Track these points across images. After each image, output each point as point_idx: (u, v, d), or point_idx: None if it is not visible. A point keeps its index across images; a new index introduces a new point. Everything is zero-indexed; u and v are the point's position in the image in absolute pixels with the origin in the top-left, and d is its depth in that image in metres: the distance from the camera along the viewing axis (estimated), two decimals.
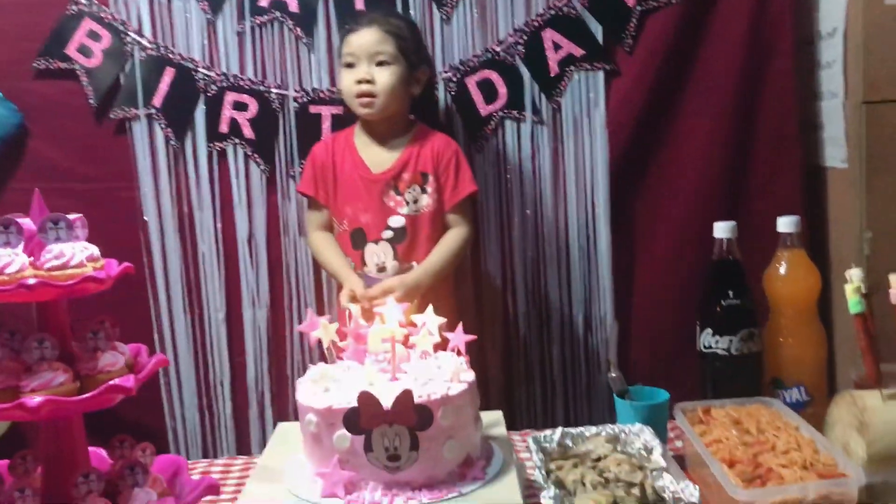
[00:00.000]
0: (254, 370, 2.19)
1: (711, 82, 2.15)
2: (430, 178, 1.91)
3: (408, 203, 1.90)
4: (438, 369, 1.18)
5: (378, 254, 1.90)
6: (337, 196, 1.94)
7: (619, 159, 2.16)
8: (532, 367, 2.23)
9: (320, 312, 2.13)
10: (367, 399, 1.07)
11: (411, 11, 2.10)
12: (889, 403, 1.29)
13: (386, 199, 1.91)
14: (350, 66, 1.87)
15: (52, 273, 1.08)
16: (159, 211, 2.14)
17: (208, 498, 1.23)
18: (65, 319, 1.16)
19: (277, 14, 2.09)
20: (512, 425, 2.12)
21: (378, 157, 1.93)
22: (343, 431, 1.09)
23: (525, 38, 2.12)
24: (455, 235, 1.92)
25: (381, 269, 1.89)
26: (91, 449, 1.28)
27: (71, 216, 1.15)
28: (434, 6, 2.11)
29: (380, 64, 1.86)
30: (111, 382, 1.08)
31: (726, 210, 2.15)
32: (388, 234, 1.90)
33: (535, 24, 2.11)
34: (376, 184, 1.91)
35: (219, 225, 2.16)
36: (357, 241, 1.92)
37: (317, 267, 2.15)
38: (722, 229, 1.46)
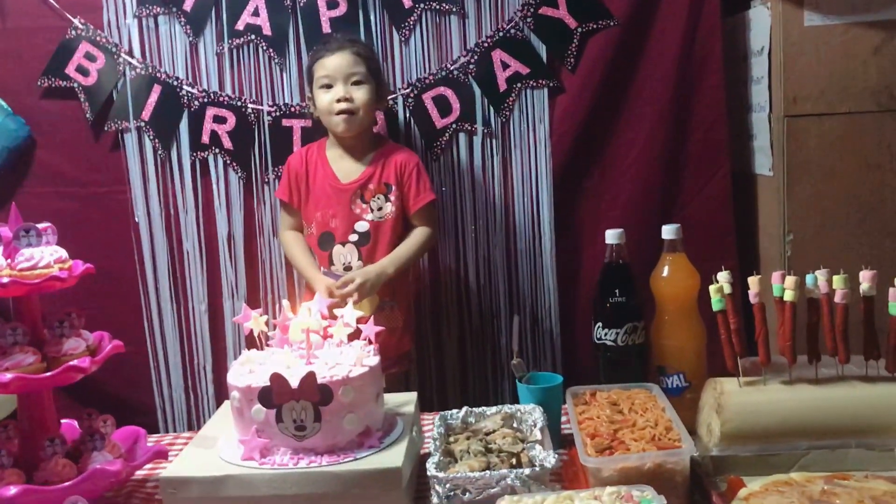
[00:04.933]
0: (233, 355, 2.43)
1: (647, 97, 2.34)
2: (393, 188, 2.12)
3: (372, 210, 2.12)
4: (346, 356, 1.40)
5: (345, 254, 2.12)
6: (308, 202, 2.16)
7: (561, 168, 2.37)
8: (484, 354, 2.46)
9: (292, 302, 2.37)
10: (277, 379, 1.30)
11: (373, 31, 2.32)
12: (744, 389, 1.49)
13: (353, 207, 2.12)
14: (328, 87, 2.07)
15: (23, 273, 1.32)
16: (148, 212, 2.39)
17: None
18: (36, 311, 1.40)
19: (252, 37, 2.32)
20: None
21: (347, 169, 2.15)
22: (259, 405, 1.32)
23: (476, 57, 2.33)
24: (419, 233, 2.14)
25: (347, 268, 2.11)
26: (66, 421, 1.53)
27: (41, 225, 1.39)
28: (394, 29, 2.33)
29: (355, 83, 2.07)
30: (71, 363, 1.33)
31: (662, 213, 2.35)
32: (354, 237, 2.12)
33: (486, 44, 2.32)
34: (345, 193, 2.12)
35: (201, 225, 2.40)
36: (325, 243, 2.14)
37: (288, 263, 2.38)
38: (611, 236, 1.67)
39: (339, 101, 2.06)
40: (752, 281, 1.51)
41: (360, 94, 2.07)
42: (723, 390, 1.48)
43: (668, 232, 1.65)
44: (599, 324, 1.66)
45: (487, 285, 2.43)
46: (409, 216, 2.15)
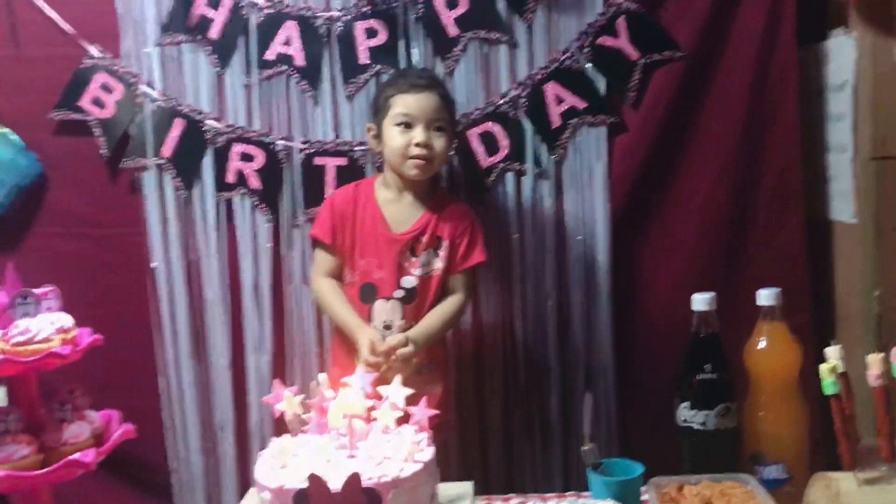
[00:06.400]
0: (256, 415, 2.21)
1: (715, 135, 2.13)
2: (445, 244, 1.92)
3: (421, 265, 1.91)
4: (395, 448, 1.19)
5: (387, 311, 1.89)
6: (354, 248, 1.94)
7: (620, 212, 2.15)
8: (533, 418, 2.22)
9: (321, 359, 2.17)
10: (316, 482, 1.08)
11: (414, 62, 2.12)
12: (864, 489, 1.26)
13: (402, 260, 1.90)
14: (406, 126, 1.86)
15: (16, 349, 1.12)
16: (167, 258, 2.18)
17: None
18: (33, 391, 1.20)
19: (284, 67, 2.12)
20: (510, 482, 2.16)
21: (399, 217, 1.93)
22: None
23: (527, 91, 2.12)
24: (454, 303, 1.93)
25: (387, 328, 1.89)
26: None
27: (41, 289, 1.19)
28: (438, 59, 2.13)
29: (437, 129, 1.87)
30: (71, 458, 1.12)
31: (728, 264, 2.15)
32: (399, 293, 1.90)
33: (538, 77, 2.12)
34: (396, 244, 1.90)
35: (225, 272, 2.19)
36: (367, 295, 1.91)
37: (319, 315, 2.17)
38: (700, 302, 1.45)
39: (418, 145, 1.85)
40: (873, 360, 1.29)
41: (440, 143, 1.87)
42: (839, 490, 1.26)
43: (766, 297, 1.44)
44: (686, 404, 1.44)
45: (536, 341, 2.20)
46: (449, 276, 1.94)
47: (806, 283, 2.16)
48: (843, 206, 2.09)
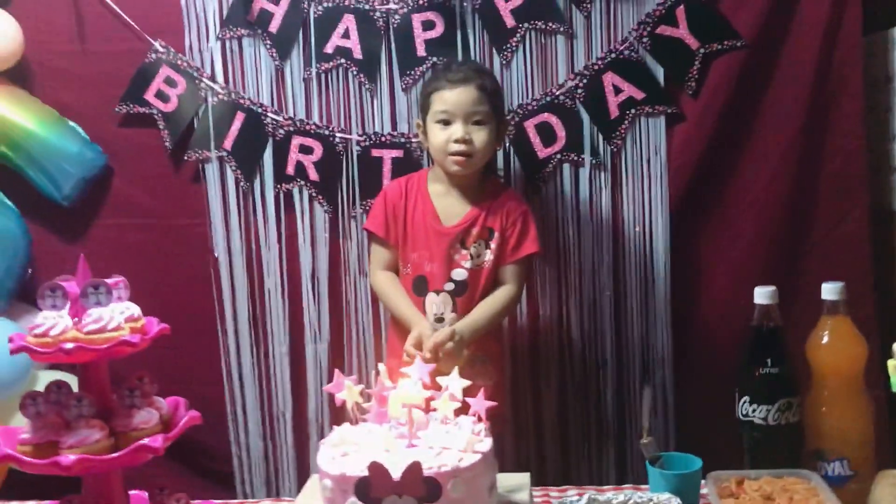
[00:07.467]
0: (314, 402, 2.25)
1: (776, 125, 2.10)
2: (496, 235, 1.91)
3: (472, 257, 1.91)
4: (454, 438, 1.20)
5: (438, 304, 1.88)
6: (406, 241, 1.95)
7: (679, 204, 2.14)
8: (588, 411, 2.22)
9: (378, 349, 2.19)
10: (377, 469, 1.10)
11: (472, 54, 2.13)
12: None
13: (453, 252, 1.90)
14: (445, 122, 1.86)
15: (90, 336, 1.15)
16: (229, 247, 2.23)
17: None
18: (104, 377, 1.23)
19: (342, 61, 2.14)
20: (566, 475, 2.16)
21: (450, 209, 1.93)
22: (354, 499, 1.12)
23: (585, 81, 2.11)
24: (504, 295, 1.91)
25: (439, 320, 1.87)
26: (136, 493, 1.36)
27: (112, 279, 1.23)
28: (494, 50, 2.13)
29: (476, 123, 1.86)
30: (141, 442, 1.15)
31: (789, 255, 2.12)
32: (450, 286, 1.89)
33: (596, 67, 2.10)
34: (446, 236, 1.91)
35: (284, 262, 2.23)
36: (419, 288, 1.92)
37: (375, 305, 2.20)
38: (762, 295, 1.43)
39: (456, 141, 1.85)
40: None
41: (480, 136, 1.85)
42: None
43: (830, 291, 1.41)
44: (746, 398, 1.42)
45: (592, 334, 2.19)
46: (500, 267, 1.93)
47: (869, 275, 2.11)
48: None
